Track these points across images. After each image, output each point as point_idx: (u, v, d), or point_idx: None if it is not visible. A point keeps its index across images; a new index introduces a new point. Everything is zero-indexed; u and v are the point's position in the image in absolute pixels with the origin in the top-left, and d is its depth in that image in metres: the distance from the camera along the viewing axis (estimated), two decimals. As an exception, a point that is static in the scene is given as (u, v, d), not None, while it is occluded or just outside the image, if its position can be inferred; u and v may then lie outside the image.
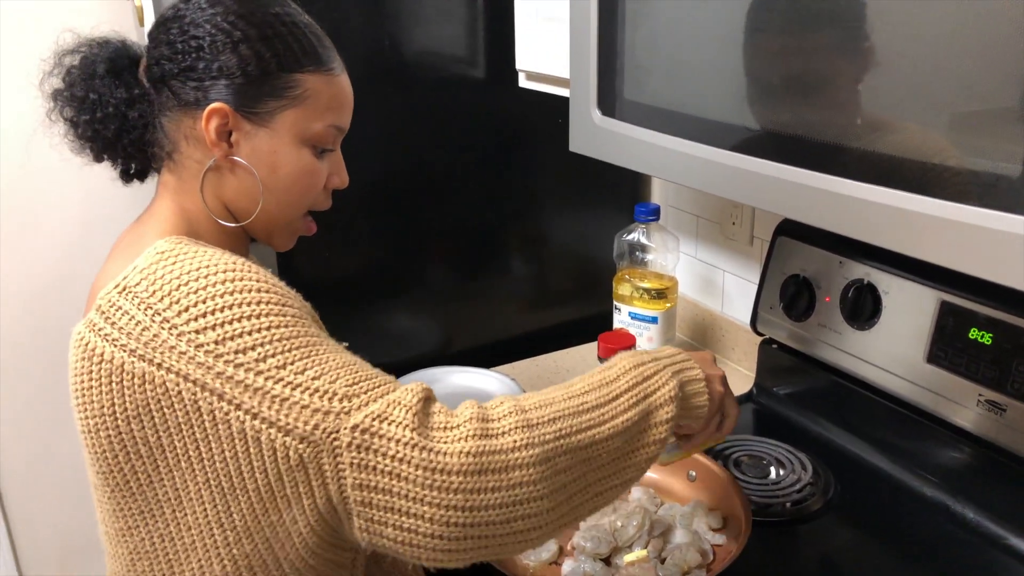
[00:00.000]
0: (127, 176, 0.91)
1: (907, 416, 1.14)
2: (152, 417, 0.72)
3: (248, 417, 0.70)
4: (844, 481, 1.16)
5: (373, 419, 0.70)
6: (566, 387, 0.80)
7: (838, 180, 0.78)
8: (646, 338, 1.48)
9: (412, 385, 0.74)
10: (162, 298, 0.72)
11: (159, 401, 0.71)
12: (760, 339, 1.40)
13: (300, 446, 0.69)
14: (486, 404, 0.76)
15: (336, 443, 0.69)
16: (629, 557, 0.97)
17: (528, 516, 0.72)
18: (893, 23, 0.71)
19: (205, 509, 0.75)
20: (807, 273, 1.26)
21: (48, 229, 1.91)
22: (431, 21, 1.40)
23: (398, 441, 0.70)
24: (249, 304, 0.72)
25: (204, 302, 0.71)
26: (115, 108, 0.82)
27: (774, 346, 1.37)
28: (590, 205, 1.65)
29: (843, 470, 1.18)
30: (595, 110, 1.09)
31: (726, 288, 1.56)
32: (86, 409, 0.74)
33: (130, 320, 0.72)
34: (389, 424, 0.70)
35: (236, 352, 0.70)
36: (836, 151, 0.78)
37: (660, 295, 1.46)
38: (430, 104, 1.45)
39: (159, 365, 0.70)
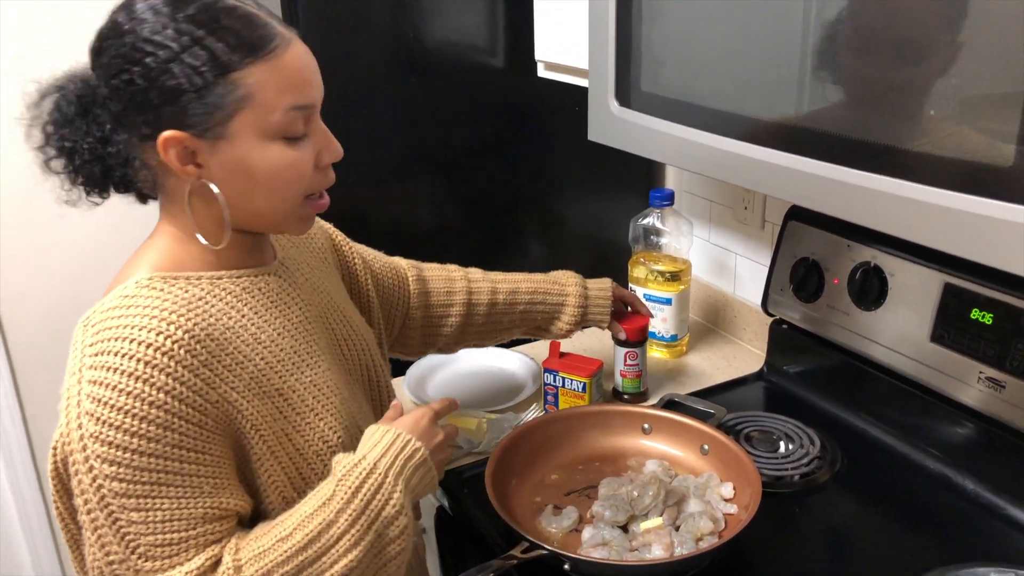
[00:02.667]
0: (142, 198, 0.91)
1: (911, 393, 1.19)
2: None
3: (89, 534, 0.79)
4: (850, 455, 1.21)
5: None
6: (297, 511, 0.82)
7: (845, 170, 0.82)
8: (660, 319, 1.53)
9: (205, 558, 0.78)
10: (89, 352, 0.78)
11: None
12: (771, 320, 1.45)
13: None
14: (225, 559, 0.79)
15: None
16: (645, 524, 1.03)
17: None
18: (901, 10, 0.76)
19: None
20: (816, 256, 1.31)
21: (67, 233, 1.97)
22: (453, 13, 1.45)
23: None
24: (133, 416, 0.76)
25: (101, 398, 0.76)
26: (91, 151, 0.82)
27: (784, 326, 1.41)
28: (606, 191, 1.70)
29: (850, 444, 1.23)
30: (613, 100, 1.13)
31: (738, 271, 1.61)
32: None
33: (72, 351, 0.80)
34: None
35: (100, 458, 0.76)
36: (842, 142, 0.83)
37: (674, 278, 1.51)
38: (452, 93, 1.50)
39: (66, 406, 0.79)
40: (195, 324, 0.81)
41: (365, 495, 0.84)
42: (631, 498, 1.06)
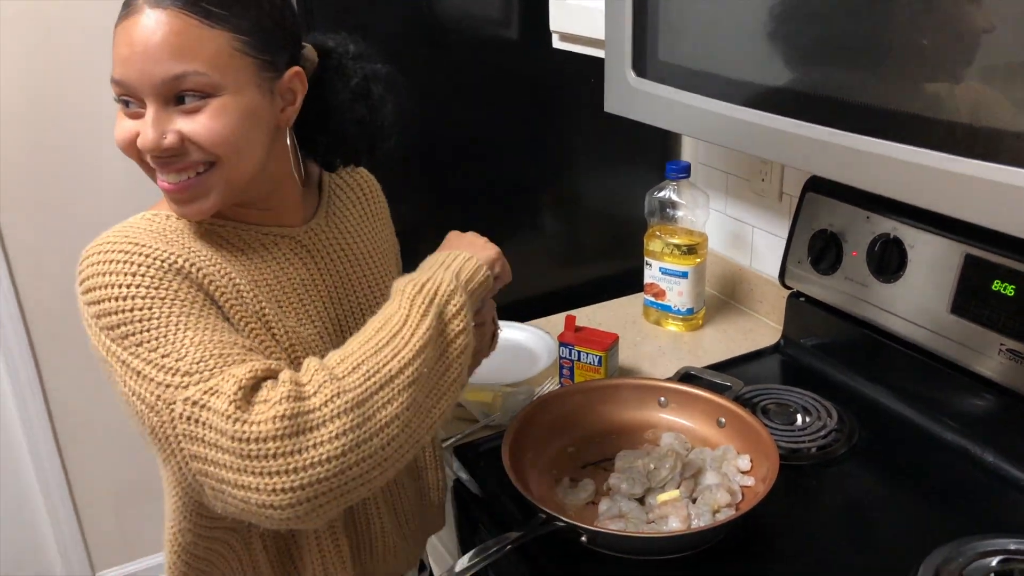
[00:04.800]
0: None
1: (930, 365, 1.18)
2: (103, 364, 0.81)
3: (121, 383, 0.78)
4: (868, 427, 1.21)
5: (204, 392, 0.74)
6: (361, 335, 0.82)
7: (865, 139, 0.81)
8: (676, 292, 1.52)
9: (257, 363, 0.76)
10: (80, 268, 0.81)
11: (96, 352, 0.81)
12: (788, 292, 1.44)
13: (150, 414, 0.76)
14: (301, 370, 0.78)
15: (173, 413, 0.75)
16: (662, 497, 1.03)
17: (362, 460, 0.75)
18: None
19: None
20: (834, 228, 1.29)
21: (82, 215, 1.99)
22: (467, -16, 1.44)
23: (219, 414, 0.73)
24: (119, 286, 0.77)
25: (90, 278, 0.79)
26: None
27: (801, 299, 1.40)
28: (622, 163, 1.69)
29: (867, 417, 1.23)
30: (630, 71, 1.12)
31: (755, 243, 1.60)
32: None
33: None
34: (216, 397, 0.73)
35: (108, 328, 0.78)
36: (863, 110, 0.81)
37: (690, 251, 1.50)
38: (466, 65, 1.49)
39: (88, 325, 0.81)
40: (188, 250, 0.83)
41: (418, 285, 0.85)
42: (648, 470, 1.06)
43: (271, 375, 0.76)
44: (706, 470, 1.07)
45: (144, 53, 0.76)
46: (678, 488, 1.04)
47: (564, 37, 1.39)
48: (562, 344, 1.33)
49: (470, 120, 1.53)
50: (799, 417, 1.22)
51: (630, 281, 1.69)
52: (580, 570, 0.97)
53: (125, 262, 0.79)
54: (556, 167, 1.64)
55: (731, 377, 1.28)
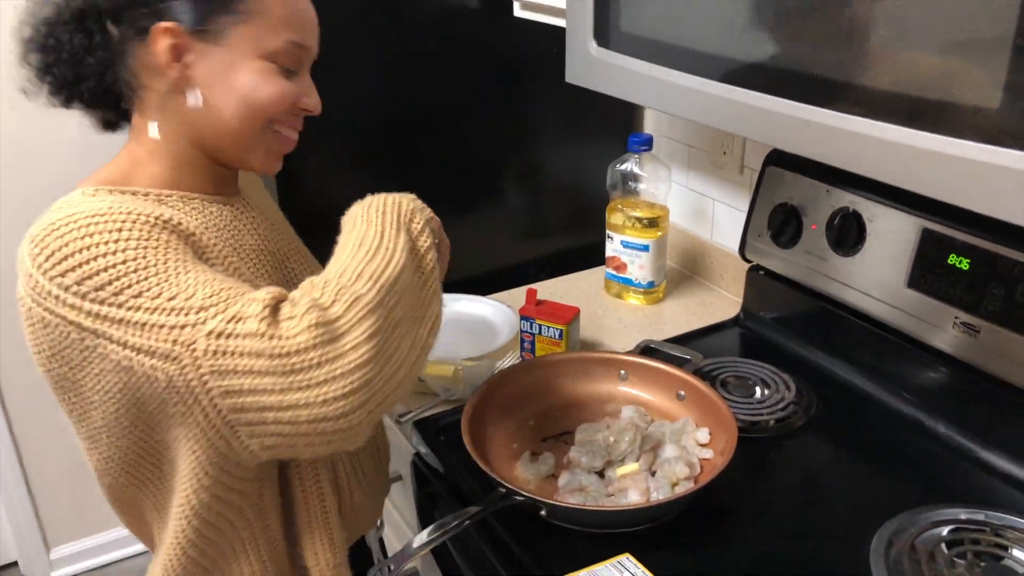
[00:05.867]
0: (108, 125, 0.92)
1: (887, 338, 1.19)
2: (61, 357, 0.76)
3: (119, 347, 0.73)
4: (826, 400, 1.22)
5: (227, 321, 0.71)
6: (343, 251, 0.82)
7: (827, 112, 0.81)
8: (638, 266, 1.52)
9: (270, 288, 0.75)
10: (39, 247, 0.74)
11: (59, 343, 0.75)
12: (748, 266, 1.44)
13: (165, 365, 0.72)
14: (299, 290, 0.77)
15: (195, 353, 0.71)
16: (622, 470, 1.03)
17: (392, 359, 0.76)
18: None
19: (124, 443, 0.81)
20: (795, 201, 1.30)
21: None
22: (426, -51, 1.40)
23: (252, 335, 0.71)
24: (104, 244, 0.73)
25: (66, 246, 0.73)
26: (70, 54, 0.84)
27: (761, 272, 1.41)
28: (584, 136, 1.68)
29: (825, 390, 1.24)
30: (591, 41, 1.11)
31: (716, 217, 1.60)
32: (33, 348, 0.79)
33: (26, 269, 0.75)
34: (242, 322, 0.71)
35: (95, 290, 0.72)
36: (825, 84, 0.81)
37: (652, 224, 1.50)
38: (424, 35, 1.46)
39: (48, 310, 0.74)
40: (164, 211, 0.80)
41: (374, 206, 0.86)
42: (607, 444, 1.06)
43: (284, 298, 0.75)
44: (665, 443, 1.08)
45: (317, 27, 0.89)
46: (637, 461, 1.04)
47: (526, 5, 1.37)
48: (523, 318, 1.32)
49: (429, 91, 1.50)
50: (758, 390, 1.23)
51: (592, 254, 1.68)
52: (540, 544, 0.97)
53: (106, 222, 0.75)
54: (517, 139, 1.62)
55: (691, 350, 1.28)
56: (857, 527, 0.96)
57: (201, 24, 0.81)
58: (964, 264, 1.07)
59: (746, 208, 1.42)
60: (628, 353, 1.24)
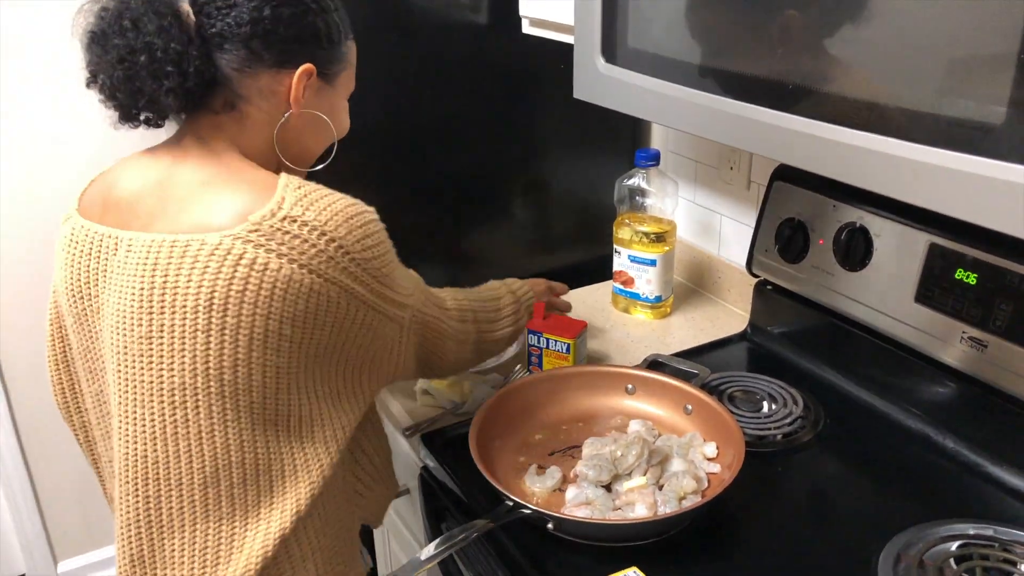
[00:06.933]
0: (154, 122, 0.94)
1: (894, 353, 1.19)
2: (304, 318, 0.87)
3: (378, 315, 0.94)
4: (833, 415, 1.22)
5: (423, 304, 1.04)
6: (478, 294, 1.24)
7: (833, 127, 0.81)
8: (645, 280, 1.52)
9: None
10: (336, 227, 0.88)
11: (317, 306, 0.87)
12: (755, 281, 1.44)
13: (405, 319, 1.00)
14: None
15: (413, 320, 1.02)
16: (629, 484, 1.03)
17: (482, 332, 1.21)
18: (888, -25, 0.74)
19: (333, 389, 0.95)
20: (802, 217, 1.30)
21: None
22: (436, -33, 1.42)
23: (438, 311, 1.09)
24: (381, 232, 0.94)
25: (362, 228, 0.91)
26: (174, 56, 0.87)
27: (768, 287, 1.41)
28: (591, 151, 1.68)
29: (832, 404, 1.24)
30: (599, 57, 1.12)
31: (723, 231, 1.61)
32: (225, 312, 0.84)
33: (303, 242, 0.86)
34: (430, 307, 1.07)
35: (379, 269, 0.92)
36: (830, 99, 0.81)
37: (659, 239, 1.50)
38: (434, 51, 1.47)
39: (326, 279, 0.87)
40: None
41: (518, 300, 1.29)
42: (615, 458, 1.06)
43: None
44: (673, 457, 1.08)
45: None
46: (645, 475, 1.04)
47: (534, 22, 1.38)
48: (531, 332, 1.32)
49: (438, 106, 1.51)
50: (765, 404, 1.23)
51: (599, 268, 1.69)
52: (547, 557, 0.97)
53: (377, 220, 0.95)
54: (526, 154, 1.63)
55: (698, 365, 1.28)
56: (865, 542, 0.96)
57: (327, 69, 0.97)
58: (971, 279, 1.07)
59: (753, 223, 1.42)
60: (635, 367, 1.25)
